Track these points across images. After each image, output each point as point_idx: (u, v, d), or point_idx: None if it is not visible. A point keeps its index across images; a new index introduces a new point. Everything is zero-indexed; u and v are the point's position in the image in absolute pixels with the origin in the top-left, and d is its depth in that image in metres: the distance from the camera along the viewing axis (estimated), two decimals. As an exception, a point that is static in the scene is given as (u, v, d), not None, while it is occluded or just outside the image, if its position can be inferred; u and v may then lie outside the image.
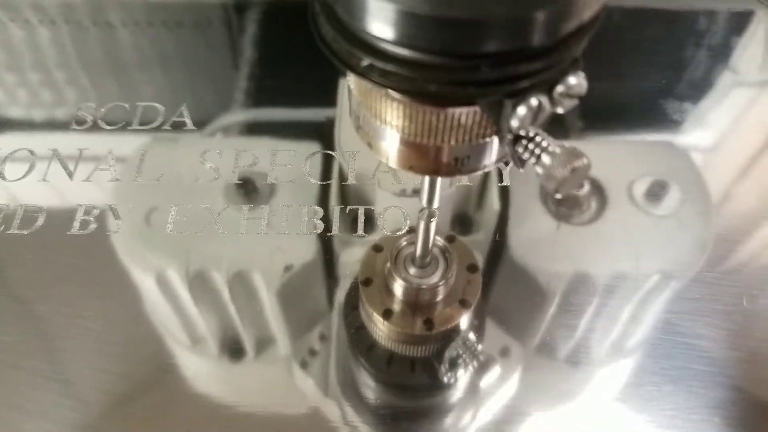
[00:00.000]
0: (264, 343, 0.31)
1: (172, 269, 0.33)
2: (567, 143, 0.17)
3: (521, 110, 0.16)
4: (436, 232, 0.28)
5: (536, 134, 0.17)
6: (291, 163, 0.37)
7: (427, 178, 0.23)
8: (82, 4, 0.48)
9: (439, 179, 0.23)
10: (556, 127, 0.18)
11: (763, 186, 0.37)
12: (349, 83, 0.19)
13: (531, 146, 0.17)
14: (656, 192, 0.35)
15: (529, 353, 0.30)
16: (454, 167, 0.19)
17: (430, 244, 0.26)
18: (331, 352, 0.30)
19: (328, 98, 0.40)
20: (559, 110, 0.17)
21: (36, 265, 0.33)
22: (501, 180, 0.36)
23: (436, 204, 0.24)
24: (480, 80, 0.15)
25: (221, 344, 0.31)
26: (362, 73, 0.16)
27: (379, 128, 0.18)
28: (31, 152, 0.38)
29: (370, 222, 0.34)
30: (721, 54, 0.44)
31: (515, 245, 0.33)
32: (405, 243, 0.28)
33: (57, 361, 0.30)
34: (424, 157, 0.19)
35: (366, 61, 0.15)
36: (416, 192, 0.35)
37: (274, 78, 0.43)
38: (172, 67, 0.45)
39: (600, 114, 0.39)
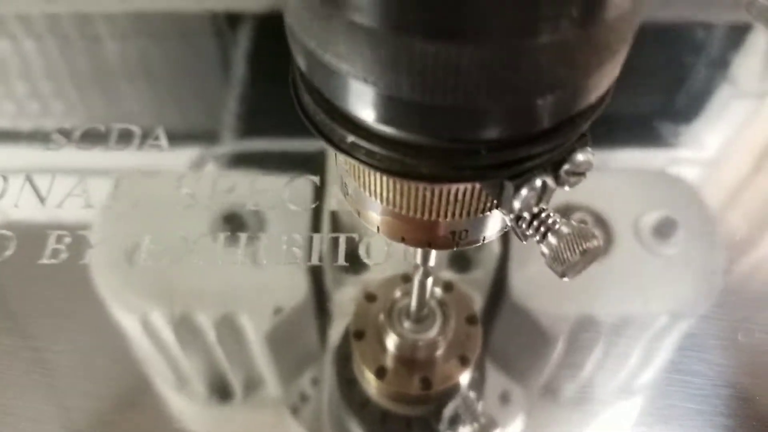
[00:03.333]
0: (253, 385, 0.29)
1: (147, 301, 0.31)
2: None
3: (524, 192, 0.14)
4: (434, 281, 0.27)
5: (541, 210, 0.15)
6: (279, 191, 0.35)
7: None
8: (68, 16, 0.46)
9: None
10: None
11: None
12: (336, 156, 0.17)
13: (536, 223, 0.15)
14: (662, 227, 0.34)
15: (532, 402, 0.29)
16: (451, 241, 0.17)
17: (427, 298, 0.25)
18: (323, 398, 0.29)
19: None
20: (566, 188, 0.15)
21: (4, 297, 0.31)
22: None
23: (432, 262, 0.22)
24: (478, 165, 0.13)
25: (203, 383, 0.29)
26: (346, 151, 0.14)
27: (368, 199, 0.17)
28: (4, 177, 0.36)
29: (368, 254, 0.33)
30: (722, 70, 0.43)
31: (517, 285, 0.31)
32: (399, 294, 0.26)
33: (25, 398, 0.28)
34: (418, 231, 0.17)
35: (350, 139, 0.14)
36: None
37: (265, 97, 0.41)
38: (158, 83, 0.43)
39: (602, 140, 0.38)
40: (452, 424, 0.26)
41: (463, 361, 0.26)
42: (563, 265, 0.15)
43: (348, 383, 0.28)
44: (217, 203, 0.35)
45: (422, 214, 0.16)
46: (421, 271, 0.23)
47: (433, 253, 0.22)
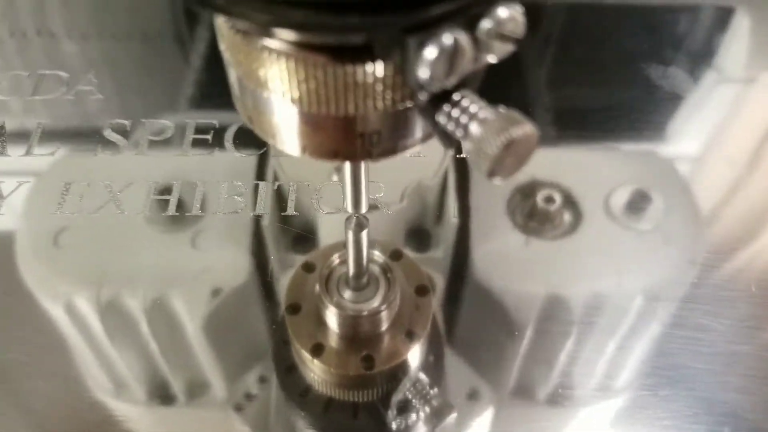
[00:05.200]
0: (198, 385, 0.26)
1: (66, 265, 0.28)
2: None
3: (430, 52, 0.11)
4: (380, 248, 0.23)
5: (462, 97, 0.12)
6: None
7: (347, 174, 0.18)
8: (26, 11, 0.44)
9: (363, 174, 0.18)
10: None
11: (751, 190, 0.33)
12: (221, 43, 0.14)
13: (456, 113, 0.12)
14: (636, 203, 0.31)
15: (499, 391, 0.25)
16: (362, 147, 0.14)
17: (365, 260, 0.21)
18: (270, 391, 0.25)
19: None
20: (490, 58, 0.12)
21: None
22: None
23: (364, 208, 0.19)
24: (365, 3, 0.10)
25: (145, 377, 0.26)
26: (220, 8, 0.11)
27: (259, 96, 0.14)
28: None
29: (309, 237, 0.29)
30: (704, 53, 0.40)
31: (477, 264, 0.28)
32: (338, 261, 0.23)
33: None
34: (319, 134, 0.14)
35: None
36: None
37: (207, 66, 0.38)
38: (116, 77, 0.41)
39: (575, 118, 0.35)
40: (402, 411, 0.23)
41: (411, 336, 0.22)
42: (488, 159, 0.12)
43: (287, 369, 0.25)
44: (146, 165, 0.32)
45: (318, 105, 0.13)
46: (354, 222, 0.20)
47: (364, 195, 0.19)
